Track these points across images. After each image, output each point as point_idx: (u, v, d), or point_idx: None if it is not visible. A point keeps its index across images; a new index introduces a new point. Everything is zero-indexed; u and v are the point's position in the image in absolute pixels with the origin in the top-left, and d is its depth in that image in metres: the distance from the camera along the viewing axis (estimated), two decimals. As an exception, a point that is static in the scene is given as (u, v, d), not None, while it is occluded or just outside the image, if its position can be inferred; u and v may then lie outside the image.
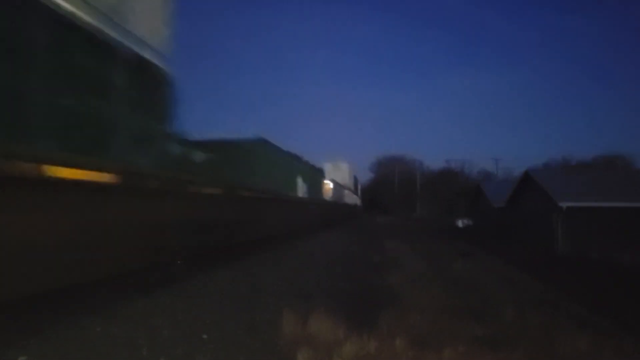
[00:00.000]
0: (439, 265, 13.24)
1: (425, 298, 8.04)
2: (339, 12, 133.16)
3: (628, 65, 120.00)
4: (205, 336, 4.84)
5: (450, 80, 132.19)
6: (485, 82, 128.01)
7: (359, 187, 57.64)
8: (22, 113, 4.06)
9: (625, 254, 17.77)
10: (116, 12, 5.27)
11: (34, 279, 3.96)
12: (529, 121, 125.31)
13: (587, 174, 24.24)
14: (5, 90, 3.87)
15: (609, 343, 5.98)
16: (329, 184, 28.13)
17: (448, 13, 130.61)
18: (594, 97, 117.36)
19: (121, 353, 4.08)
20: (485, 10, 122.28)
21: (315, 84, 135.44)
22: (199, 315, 5.43)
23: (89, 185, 4.48)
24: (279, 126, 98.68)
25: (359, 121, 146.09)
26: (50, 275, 4.13)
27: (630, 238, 19.04)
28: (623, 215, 19.86)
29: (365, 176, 79.00)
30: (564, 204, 20.23)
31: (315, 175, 22.84)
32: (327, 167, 33.71)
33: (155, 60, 6.03)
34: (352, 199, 44.27)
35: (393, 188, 74.79)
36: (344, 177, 39.81)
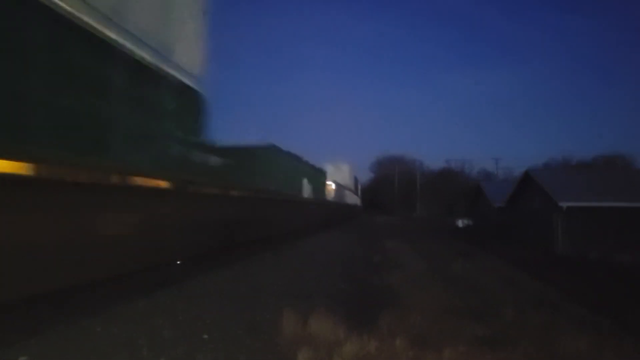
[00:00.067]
0: (439, 265, 13.22)
1: (426, 298, 8.03)
2: (339, 12, 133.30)
3: (628, 64, 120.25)
4: (205, 336, 4.85)
5: (451, 80, 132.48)
6: (486, 81, 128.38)
7: (359, 187, 57.66)
8: (109, 134, 5.25)
9: (625, 254, 17.78)
10: (163, 45, 6.51)
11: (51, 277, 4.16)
12: (529, 121, 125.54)
13: (587, 173, 24.27)
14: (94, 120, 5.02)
15: (609, 343, 5.97)
16: (331, 185, 28.46)
17: (448, 12, 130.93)
18: (594, 97, 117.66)
19: (121, 353, 4.08)
20: (486, 9, 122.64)
21: (315, 84, 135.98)
22: (199, 315, 5.44)
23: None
24: (279, 126, 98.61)
25: (359, 121, 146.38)
26: (51, 275, 4.15)
27: (631, 238, 19.06)
28: (623, 215, 19.87)
29: (365, 176, 79.21)
30: (564, 204, 20.22)
31: (319, 177, 23.51)
32: (329, 168, 33.87)
33: (194, 85, 7.52)
34: (352, 199, 44.34)
35: (393, 188, 74.77)
36: (345, 178, 39.84)
